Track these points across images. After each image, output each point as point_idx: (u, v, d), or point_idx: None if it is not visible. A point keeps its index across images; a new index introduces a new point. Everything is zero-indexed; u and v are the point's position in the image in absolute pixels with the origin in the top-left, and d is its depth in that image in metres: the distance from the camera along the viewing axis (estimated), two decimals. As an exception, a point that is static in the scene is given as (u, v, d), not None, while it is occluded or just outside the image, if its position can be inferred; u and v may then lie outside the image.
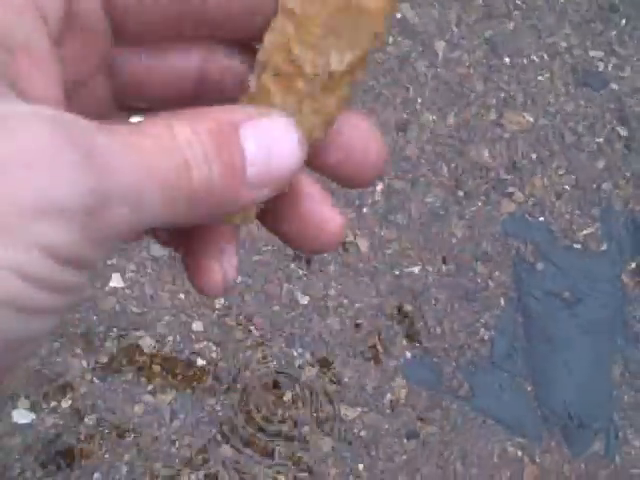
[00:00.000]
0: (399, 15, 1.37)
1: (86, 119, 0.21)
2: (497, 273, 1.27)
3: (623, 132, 1.36)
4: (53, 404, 1.13)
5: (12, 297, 0.19)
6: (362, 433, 1.18)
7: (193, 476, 1.12)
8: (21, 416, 1.14)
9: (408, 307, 1.25)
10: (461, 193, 1.30)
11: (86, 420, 1.13)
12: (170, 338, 1.20)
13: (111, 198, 0.20)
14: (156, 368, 1.19)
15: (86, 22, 0.25)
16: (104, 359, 1.18)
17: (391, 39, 1.35)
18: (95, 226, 0.20)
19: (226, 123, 0.24)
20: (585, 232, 1.31)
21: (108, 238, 0.21)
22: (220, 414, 1.16)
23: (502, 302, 1.27)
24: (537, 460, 1.20)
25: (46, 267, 0.19)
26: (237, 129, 0.24)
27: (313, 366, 1.22)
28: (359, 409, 1.20)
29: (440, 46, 1.37)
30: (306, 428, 1.18)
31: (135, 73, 0.28)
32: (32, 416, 1.14)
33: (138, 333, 1.20)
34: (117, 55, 0.27)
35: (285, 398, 1.20)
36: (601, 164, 1.34)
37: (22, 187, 0.19)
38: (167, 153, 0.22)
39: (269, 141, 0.24)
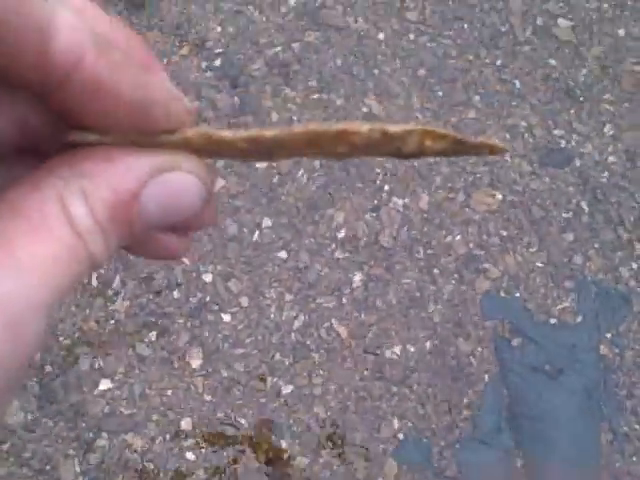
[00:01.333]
0: (365, 109, 1.43)
1: None
2: (479, 350, 1.30)
3: (588, 205, 1.41)
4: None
5: None
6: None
7: None
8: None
9: (394, 388, 1.27)
10: (436, 272, 1.34)
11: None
12: (160, 438, 1.22)
13: None
14: (148, 466, 1.20)
15: None
16: (95, 460, 1.19)
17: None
18: None
19: (125, 191, 0.22)
20: (560, 306, 1.34)
21: None
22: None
23: (486, 378, 1.29)
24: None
25: None
26: (138, 196, 0.22)
27: (303, 455, 1.23)
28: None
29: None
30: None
31: None
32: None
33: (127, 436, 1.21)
34: None
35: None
36: (570, 237, 1.38)
37: None
38: (66, 257, 0.21)
39: (171, 200, 0.23)
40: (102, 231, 0.21)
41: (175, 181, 0.23)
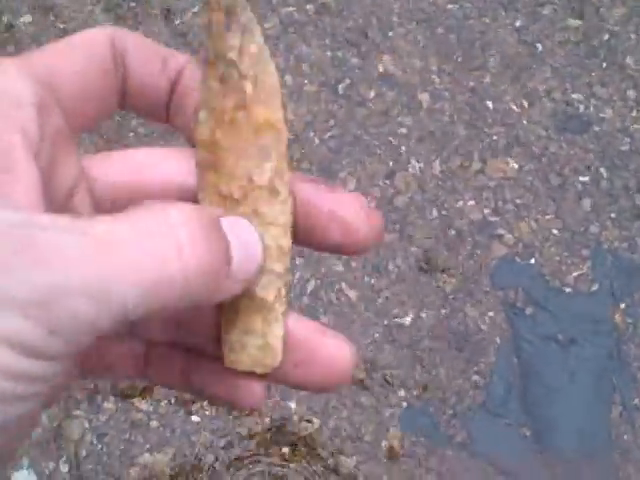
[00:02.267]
0: (381, 69, 1.40)
1: (54, 216, 0.21)
2: (490, 318, 1.28)
3: (606, 172, 1.38)
4: None
5: None
6: (361, 485, 1.19)
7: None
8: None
9: (403, 354, 1.26)
10: (450, 239, 1.32)
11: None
12: None
13: (68, 291, 0.20)
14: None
15: (57, 136, 0.26)
16: None
17: (373, 92, 1.38)
18: (49, 317, 0.20)
19: (208, 215, 0.24)
20: (575, 274, 1.32)
21: (67, 329, 0.21)
22: None
23: (496, 347, 1.27)
24: (539, 505, 1.20)
25: (6, 357, 0.20)
26: (219, 222, 0.24)
27: (310, 421, 1.22)
28: (355, 458, 1.20)
29: (424, 97, 1.39)
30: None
31: (113, 188, 0.28)
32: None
33: None
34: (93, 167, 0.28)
35: (284, 450, 1.20)
36: (587, 205, 1.36)
37: None
38: (156, 238, 0.22)
39: (246, 237, 0.25)
40: (190, 227, 0.23)
41: (245, 224, 0.26)
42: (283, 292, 0.26)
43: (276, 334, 0.26)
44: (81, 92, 0.27)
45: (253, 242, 0.25)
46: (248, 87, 0.25)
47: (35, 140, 0.24)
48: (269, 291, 0.26)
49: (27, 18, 1.41)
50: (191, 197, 0.27)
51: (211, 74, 0.25)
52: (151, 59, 0.28)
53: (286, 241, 0.26)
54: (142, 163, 0.28)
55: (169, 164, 0.28)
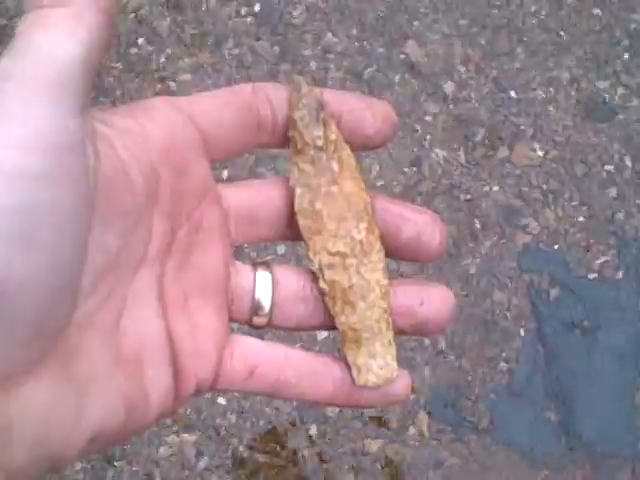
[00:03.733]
0: (403, 56, 1.41)
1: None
2: (515, 303, 1.28)
3: (632, 161, 1.38)
4: None
5: None
6: (386, 467, 1.19)
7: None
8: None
9: (426, 340, 1.26)
10: (477, 226, 1.32)
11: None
12: None
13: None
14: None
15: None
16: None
17: (398, 79, 1.39)
18: None
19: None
20: (600, 261, 1.32)
21: None
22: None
23: (521, 332, 1.27)
24: (563, 490, 1.20)
25: None
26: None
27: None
28: (381, 441, 1.21)
29: (449, 85, 1.40)
30: (330, 464, 1.19)
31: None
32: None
33: None
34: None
35: (311, 432, 1.21)
36: (613, 193, 1.36)
37: None
38: None
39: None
40: None
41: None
42: (390, 321, 0.33)
43: (392, 354, 0.33)
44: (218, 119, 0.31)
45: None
46: (335, 166, 0.32)
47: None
48: (381, 323, 0.32)
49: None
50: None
51: (301, 158, 0.32)
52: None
53: (385, 281, 0.33)
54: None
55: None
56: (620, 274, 1.32)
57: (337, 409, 1.21)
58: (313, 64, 1.39)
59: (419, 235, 0.32)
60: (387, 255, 0.33)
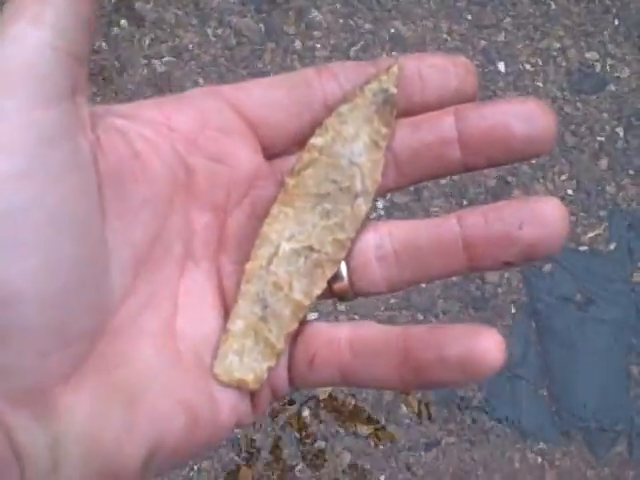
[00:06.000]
0: (392, 30, 1.39)
1: None
2: (506, 278, 1.28)
3: (623, 132, 1.36)
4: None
5: None
6: (380, 446, 1.19)
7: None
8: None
9: (420, 317, 1.26)
10: (465, 202, 1.31)
11: None
12: None
13: None
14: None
15: None
16: None
17: (385, 55, 1.37)
18: None
19: None
20: (591, 234, 1.31)
21: None
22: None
23: (513, 309, 1.27)
24: (558, 465, 1.20)
25: None
26: None
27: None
28: (373, 425, 1.21)
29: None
30: (322, 443, 1.19)
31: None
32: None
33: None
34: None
35: (304, 415, 1.21)
36: (603, 165, 1.34)
37: None
38: None
39: None
40: None
41: None
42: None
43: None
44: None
45: None
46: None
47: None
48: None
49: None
50: None
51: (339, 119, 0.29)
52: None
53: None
54: None
55: None
56: (611, 246, 1.31)
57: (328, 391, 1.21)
58: (298, 42, 1.38)
59: (532, 127, 0.26)
60: (501, 162, 0.28)
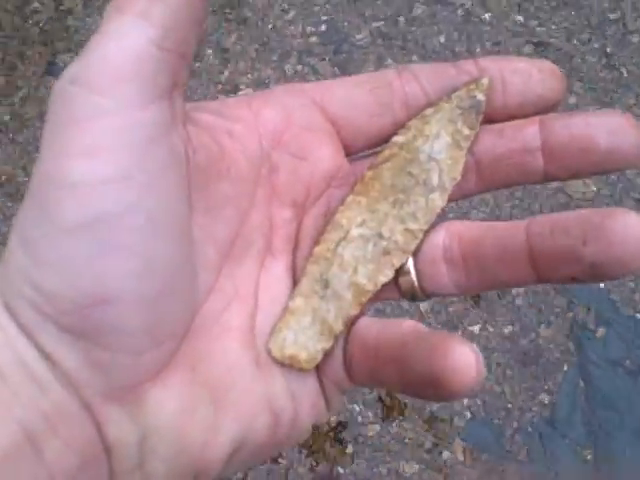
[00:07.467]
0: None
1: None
2: (559, 338, 1.28)
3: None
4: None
5: None
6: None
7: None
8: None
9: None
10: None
11: None
12: None
13: None
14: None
15: None
16: None
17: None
18: None
19: None
20: (647, 300, 1.31)
21: None
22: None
23: (564, 367, 1.27)
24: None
25: None
26: None
27: (375, 423, 1.23)
28: (416, 466, 1.21)
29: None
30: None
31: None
32: None
33: None
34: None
35: (347, 451, 1.22)
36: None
37: None
38: None
39: None
40: None
41: None
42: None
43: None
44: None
45: None
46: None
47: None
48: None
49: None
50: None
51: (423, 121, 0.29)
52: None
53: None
54: None
55: None
56: (667, 315, 1.31)
57: (369, 433, 1.22)
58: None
59: (618, 140, 0.25)
60: (583, 174, 0.26)
